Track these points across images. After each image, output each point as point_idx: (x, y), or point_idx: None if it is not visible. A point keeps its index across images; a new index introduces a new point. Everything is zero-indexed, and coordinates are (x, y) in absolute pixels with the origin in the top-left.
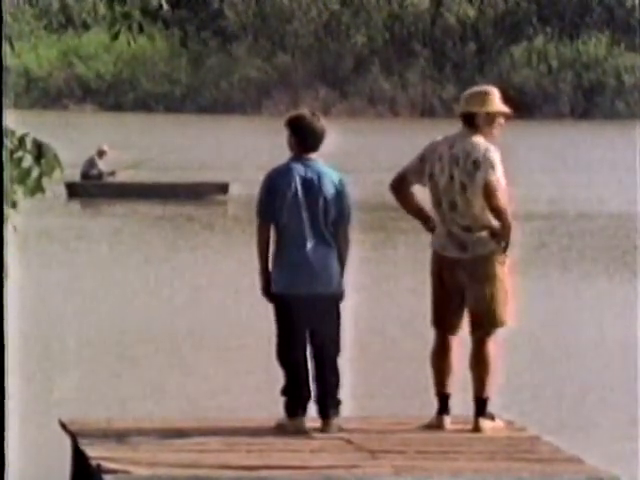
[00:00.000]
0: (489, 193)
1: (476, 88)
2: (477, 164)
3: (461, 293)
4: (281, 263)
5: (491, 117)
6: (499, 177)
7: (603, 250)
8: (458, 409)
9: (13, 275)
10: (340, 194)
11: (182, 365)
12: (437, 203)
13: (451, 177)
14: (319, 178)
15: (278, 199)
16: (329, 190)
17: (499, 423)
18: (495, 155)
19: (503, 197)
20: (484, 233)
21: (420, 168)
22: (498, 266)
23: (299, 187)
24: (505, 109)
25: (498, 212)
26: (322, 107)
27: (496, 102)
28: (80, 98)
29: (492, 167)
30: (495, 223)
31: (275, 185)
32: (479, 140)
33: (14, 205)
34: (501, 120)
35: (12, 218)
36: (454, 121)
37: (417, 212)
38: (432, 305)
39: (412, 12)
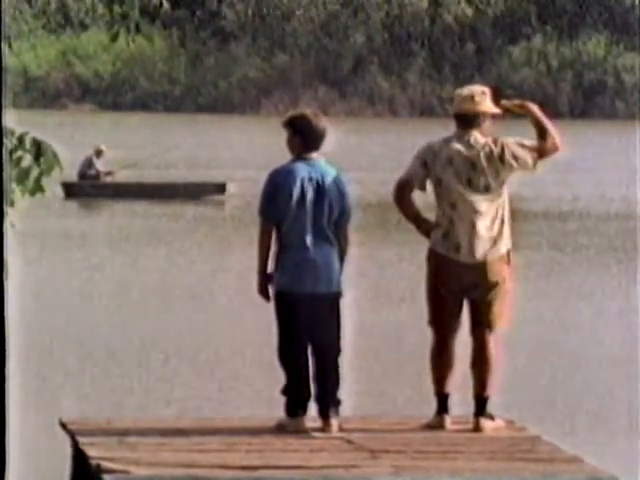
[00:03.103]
0: (540, 149)
1: (469, 87)
2: (502, 159)
3: (462, 293)
4: (284, 262)
5: (484, 116)
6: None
7: (601, 250)
8: (458, 409)
9: (12, 275)
10: (342, 193)
11: (175, 368)
12: (450, 206)
13: (469, 181)
14: (323, 177)
15: (283, 199)
16: (332, 189)
17: (499, 423)
18: (504, 139)
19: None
20: (499, 234)
21: (424, 174)
22: (503, 266)
23: (305, 187)
24: (497, 109)
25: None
26: (321, 106)
27: (489, 102)
28: (79, 98)
29: (510, 146)
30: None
31: (279, 185)
32: (483, 138)
33: (12, 204)
34: (492, 119)
35: (10, 216)
36: (453, 121)
37: (416, 217)
38: (430, 305)
39: (411, 12)
